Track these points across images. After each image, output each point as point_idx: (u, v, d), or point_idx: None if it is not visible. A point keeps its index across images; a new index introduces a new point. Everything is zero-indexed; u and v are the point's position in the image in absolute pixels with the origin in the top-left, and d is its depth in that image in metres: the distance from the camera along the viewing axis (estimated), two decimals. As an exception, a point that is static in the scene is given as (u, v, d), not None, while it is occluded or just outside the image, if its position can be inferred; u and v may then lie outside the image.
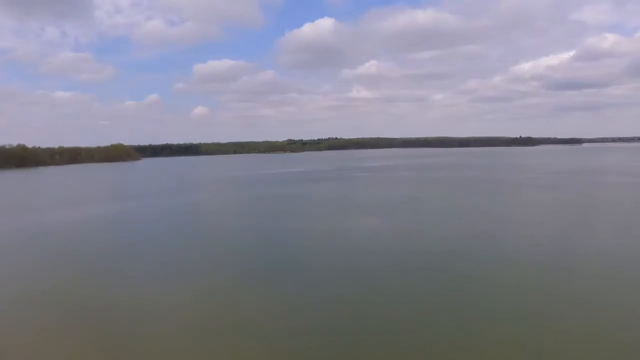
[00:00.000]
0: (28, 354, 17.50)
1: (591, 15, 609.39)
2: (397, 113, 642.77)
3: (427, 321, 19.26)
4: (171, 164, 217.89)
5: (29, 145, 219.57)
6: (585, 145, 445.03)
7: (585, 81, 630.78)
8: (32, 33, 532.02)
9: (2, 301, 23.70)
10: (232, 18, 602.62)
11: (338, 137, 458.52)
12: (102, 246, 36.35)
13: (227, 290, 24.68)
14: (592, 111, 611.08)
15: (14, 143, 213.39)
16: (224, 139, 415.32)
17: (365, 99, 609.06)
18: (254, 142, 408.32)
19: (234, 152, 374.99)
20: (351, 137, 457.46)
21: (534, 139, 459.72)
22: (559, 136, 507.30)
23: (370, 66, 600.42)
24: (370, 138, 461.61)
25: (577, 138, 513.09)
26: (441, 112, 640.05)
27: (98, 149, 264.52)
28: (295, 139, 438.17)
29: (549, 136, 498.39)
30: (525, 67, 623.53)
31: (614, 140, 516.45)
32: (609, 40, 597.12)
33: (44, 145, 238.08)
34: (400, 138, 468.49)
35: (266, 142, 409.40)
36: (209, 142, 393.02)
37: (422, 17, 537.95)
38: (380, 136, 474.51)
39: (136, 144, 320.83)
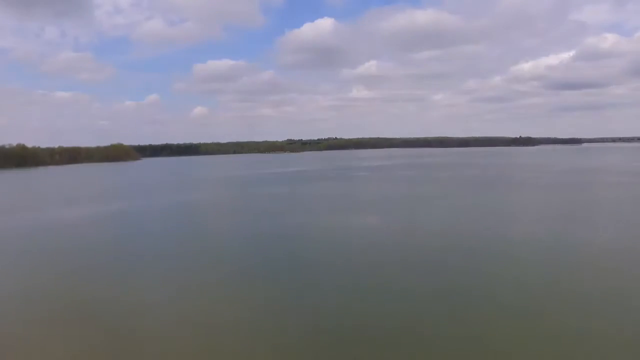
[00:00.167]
0: (27, 350, 17.45)
1: (591, 15, 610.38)
2: (397, 113, 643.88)
3: (427, 318, 19.19)
4: (171, 163, 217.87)
5: (29, 145, 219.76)
6: (585, 145, 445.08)
7: (585, 81, 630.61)
8: (32, 33, 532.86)
9: (2, 299, 23.68)
10: (232, 18, 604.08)
11: (338, 137, 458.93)
12: (102, 244, 36.32)
13: (226, 287, 24.66)
14: (592, 111, 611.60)
15: (14, 143, 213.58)
16: (223, 139, 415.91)
17: (365, 99, 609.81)
18: (254, 142, 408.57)
19: (234, 152, 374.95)
20: (351, 137, 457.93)
21: (534, 139, 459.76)
22: (559, 136, 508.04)
23: (370, 66, 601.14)
24: (370, 138, 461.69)
25: (577, 138, 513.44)
26: (441, 112, 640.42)
27: (98, 149, 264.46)
28: (295, 139, 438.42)
29: (549, 136, 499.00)
30: (525, 67, 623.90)
31: (613, 140, 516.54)
32: (608, 40, 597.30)
33: (43, 145, 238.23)
34: (400, 138, 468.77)
35: (266, 142, 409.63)
36: (209, 142, 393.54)
37: (422, 16, 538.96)
38: (380, 136, 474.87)
39: (136, 144, 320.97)
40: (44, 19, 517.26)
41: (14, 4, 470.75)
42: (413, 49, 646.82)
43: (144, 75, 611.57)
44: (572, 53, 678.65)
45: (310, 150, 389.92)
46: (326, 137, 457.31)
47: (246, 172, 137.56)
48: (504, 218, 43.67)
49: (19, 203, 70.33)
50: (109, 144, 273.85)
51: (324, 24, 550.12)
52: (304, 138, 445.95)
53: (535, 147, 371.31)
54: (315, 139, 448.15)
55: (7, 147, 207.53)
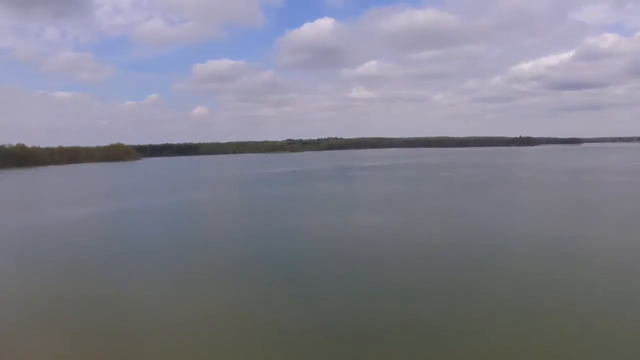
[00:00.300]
0: (27, 348, 17.46)
1: (591, 15, 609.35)
2: (396, 113, 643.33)
3: (427, 314, 19.18)
4: (171, 163, 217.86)
5: (29, 145, 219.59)
6: (585, 145, 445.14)
7: (585, 81, 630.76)
8: (32, 33, 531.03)
9: (2, 298, 23.66)
10: (231, 18, 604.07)
11: (338, 137, 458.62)
12: (102, 243, 36.34)
13: (227, 285, 24.65)
14: (592, 111, 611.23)
15: (14, 143, 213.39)
16: (223, 139, 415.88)
17: (365, 99, 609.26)
18: (254, 142, 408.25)
19: (234, 152, 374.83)
20: (351, 137, 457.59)
21: (534, 138, 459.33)
22: (559, 136, 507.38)
23: (370, 66, 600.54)
24: (370, 138, 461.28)
25: (577, 138, 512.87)
26: (441, 112, 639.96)
27: (97, 148, 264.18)
28: (295, 139, 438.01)
29: (549, 136, 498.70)
30: (525, 67, 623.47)
31: (613, 140, 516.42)
32: (608, 40, 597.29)
33: (43, 145, 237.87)
34: (400, 138, 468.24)
35: (266, 142, 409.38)
36: (209, 142, 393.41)
37: (422, 16, 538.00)
38: (380, 136, 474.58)
39: (136, 143, 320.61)
40: (44, 19, 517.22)
41: (13, 4, 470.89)
42: (413, 49, 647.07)
43: (144, 75, 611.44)
44: (572, 53, 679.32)
45: (310, 150, 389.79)
46: (326, 137, 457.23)
47: (246, 171, 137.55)
48: (504, 217, 43.64)
49: (20, 203, 70.33)
50: (109, 144, 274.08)
51: (324, 24, 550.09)
52: (304, 138, 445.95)
53: (536, 147, 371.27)
54: (315, 139, 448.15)
55: (7, 147, 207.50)
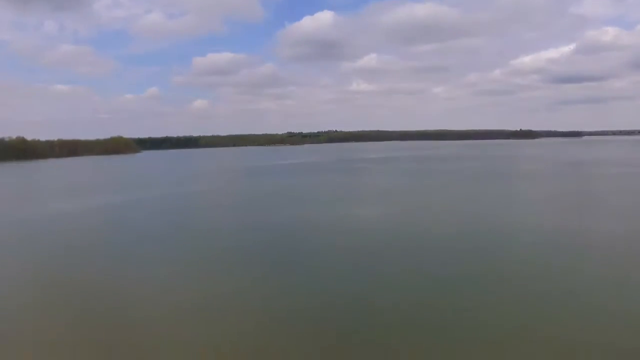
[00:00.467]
0: (29, 339, 17.44)
1: (591, 8, 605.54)
2: (397, 106, 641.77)
3: (431, 304, 19.18)
4: (171, 156, 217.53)
5: (28, 138, 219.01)
6: (585, 138, 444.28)
7: (586, 74, 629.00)
8: (30, 26, 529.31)
9: (4, 288, 23.63)
10: (231, 11, 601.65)
11: (338, 130, 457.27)
12: (105, 234, 36.40)
13: (225, 275, 24.64)
14: (592, 104, 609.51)
15: (13, 136, 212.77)
16: (223, 132, 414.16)
17: (365, 92, 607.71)
18: (254, 135, 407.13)
19: (234, 145, 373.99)
20: (351, 130, 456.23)
21: (535, 132, 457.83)
22: (560, 129, 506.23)
23: (370, 59, 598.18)
24: (370, 131, 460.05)
25: (577, 131, 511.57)
26: (441, 105, 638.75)
27: (97, 141, 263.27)
28: (295, 132, 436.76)
29: (550, 129, 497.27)
30: (526, 60, 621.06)
31: (614, 133, 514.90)
32: (609, 33, 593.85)
33: (43, 138, 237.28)
34: (400, 131, 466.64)
35: (266, 135, 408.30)
36: (209, 135, 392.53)
37: (422, 10, 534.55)
38: (380, 129, 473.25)
39: (136, 136, 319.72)
40: (42, 12, 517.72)
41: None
42: (413, 42, 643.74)
43: (144, 68, 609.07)
44: (572, 46, 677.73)
45: (311, 143, 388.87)
46: (326, 130, 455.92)
47: (247, 164, 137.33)
48: (506, 207, 43.55)
49: (22, 195, 70.30)
50: (109, 137, 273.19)
51: (324, 17, 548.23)
52: (304, 131, 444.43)
53: (536, 140, 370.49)
54: (316, 132, 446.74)
55: (6, 140, 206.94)
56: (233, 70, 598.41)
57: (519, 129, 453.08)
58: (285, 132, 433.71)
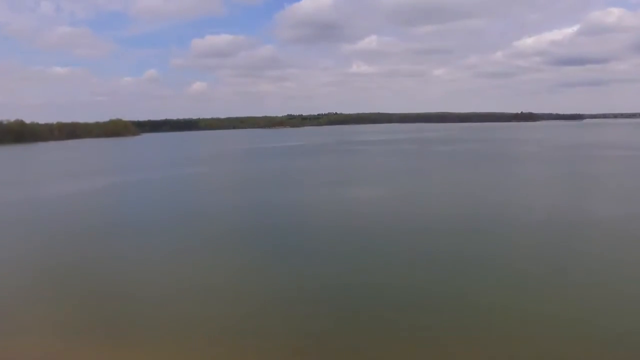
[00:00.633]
0: (28, 316, 17.77)
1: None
2: (397, 88, 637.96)
3: (428, 284, 19.53)
4: (172, 139, 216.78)
5: (27, 121, 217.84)
6: (586, 121, 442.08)
7: (589, 56, 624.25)
8: (26, 7, 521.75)
9: (5, 269, 23.92)
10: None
11: (338, 112, 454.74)
12: (105, 217, 36.73)
13: (226, 255, 24.97)
14: (594, 87, 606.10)
15: (12, 118, 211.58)
16: (223, 115, 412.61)
17: (365, 74, 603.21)
18: (253, 117, 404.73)
19: (233, 128, 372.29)
20: (351, 112, 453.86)
21: (536, 114, 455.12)
22: (561, 112, 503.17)
23: (370, 41, 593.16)
24: (370, 113, 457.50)
25: (578, 114, 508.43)
26: (442, 87, 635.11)
27: (97, 124, 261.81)
28: (295, 114, 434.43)
29: (551, 112, 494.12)
30: (528, 42, 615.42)
31: (615, 116, 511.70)
32: (614, 14, 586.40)
33: (41, 121, 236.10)
34: (400, 113, 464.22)
35: (266, 117, 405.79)
36: (208, 117, 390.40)
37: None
38: (380, 111, 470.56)
39: (135, 119, 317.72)
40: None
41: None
42: (413, 23, 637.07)
43: (142, 50, 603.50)
44: (575, 28, 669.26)
45: (310, 126, 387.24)
46: (326, 112, 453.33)
47: (247, 146, 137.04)
48: (505, 189, 43.85)
49: (23, 177, 70.46)
50: (108, 120, 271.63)
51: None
52: (304, 113, 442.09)
53: (537, 123, 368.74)
54: (315, 114, 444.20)
55: (4, 122, 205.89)
56: (232, 52, 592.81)
57: (519, 112, 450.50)
58: (285, 114, 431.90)
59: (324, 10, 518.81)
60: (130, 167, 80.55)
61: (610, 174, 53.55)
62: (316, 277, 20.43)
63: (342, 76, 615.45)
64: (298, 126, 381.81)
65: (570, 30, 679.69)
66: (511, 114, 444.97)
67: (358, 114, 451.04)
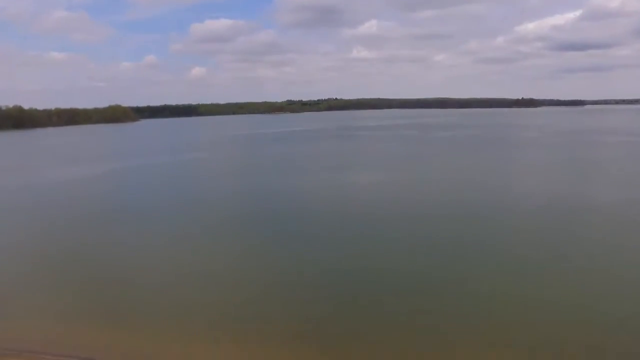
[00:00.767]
0: (28, 301, 17.78)
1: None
2: (397, 74, 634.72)
3: (427, 268, 19.53)
4: (171, 124, 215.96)
5: (25, 107, 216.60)
6: (588, 107, 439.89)
7: (591, 42, 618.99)
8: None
9: (5, 254, 23.93)
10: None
11: (338, 97, 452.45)
12: (105, 202, 36.72)
13: (226, 241, 24.99)
14: (596, 72, 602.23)
15: (10, 104, 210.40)
16: (222, 100, 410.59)
17: (365, 59, 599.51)
18: (253, 103, 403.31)
19: (233, 113, 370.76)
20: (351, 97, 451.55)
21: (537, 100, 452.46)
22: (562, 98, 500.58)
23: (371, 26, 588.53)
24: (370, 99, 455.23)
25: (580, 100, 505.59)
26: (442, 73, 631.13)
27: (96, 110, 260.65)
28: (295, 100, 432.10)
29: (552, 98, 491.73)
30: (530, 27, 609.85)
31: (617, 102, 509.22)
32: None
33: (40, 107, 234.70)
34: (401, 99, 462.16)
35: (265, 102, 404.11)
36: (208, 103, 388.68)
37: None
38: (381, 97, 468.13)
39: (134, 105, 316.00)
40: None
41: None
42: (414, 8, 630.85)
43: (141, 35, 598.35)
44: (578, 12, 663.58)
45: (310, 111, 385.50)
46: (326, 97, 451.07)
47: (247, 132, 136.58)
48: (506, 174, 43.75)
49: (25, 163, 70.30)
50: (107, 105, 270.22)
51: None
52: (304, 99, 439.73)
53: (538, 109, 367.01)
54: (315, 99, 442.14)
55: (3, 108, 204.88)
56: (231, 37, 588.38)
57: (520, 98, 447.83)
58: (285, 100, 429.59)
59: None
60: (130, 153, 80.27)
61: (611, 159, 53.35)
62: (316, 262, 20.42)
63: (342, 61, 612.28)
64: (298, 112, 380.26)
65: (573, 15, 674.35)
66: (512, 99, 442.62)
67: (358, 99, 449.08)
